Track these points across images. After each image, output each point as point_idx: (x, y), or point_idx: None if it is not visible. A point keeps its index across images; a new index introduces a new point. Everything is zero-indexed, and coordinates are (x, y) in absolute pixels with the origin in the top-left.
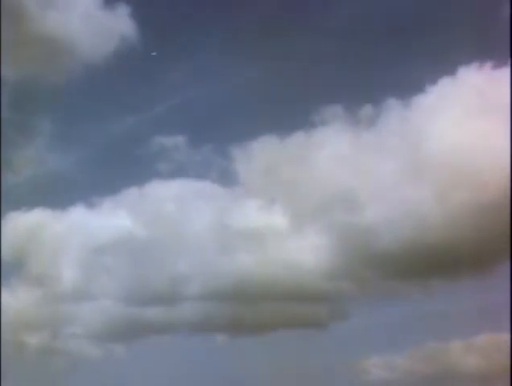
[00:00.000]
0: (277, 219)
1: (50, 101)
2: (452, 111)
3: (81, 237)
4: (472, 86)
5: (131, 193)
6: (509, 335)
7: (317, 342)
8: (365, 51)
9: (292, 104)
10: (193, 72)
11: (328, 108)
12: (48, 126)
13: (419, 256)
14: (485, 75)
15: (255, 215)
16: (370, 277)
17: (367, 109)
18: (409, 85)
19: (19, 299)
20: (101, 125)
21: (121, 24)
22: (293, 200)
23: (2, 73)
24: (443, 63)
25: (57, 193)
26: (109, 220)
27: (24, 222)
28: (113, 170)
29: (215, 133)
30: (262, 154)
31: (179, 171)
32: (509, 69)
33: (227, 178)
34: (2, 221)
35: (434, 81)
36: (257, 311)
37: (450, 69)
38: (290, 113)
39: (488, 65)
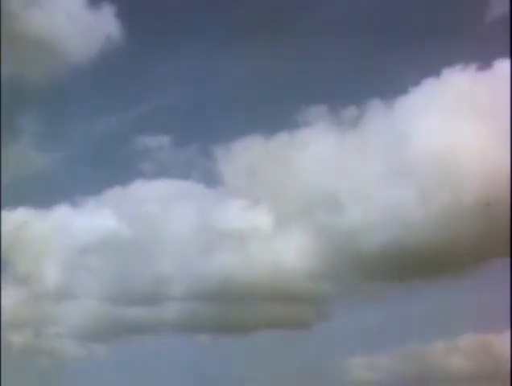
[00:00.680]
0: (260, 219)
1: (35, 101)
2: (436, 112)
3: (65, 237)
4: (455, 87)
5: (115, 193)
6: (492, 336)
7: (300, 343)
8: (348, 53)
9: (276, 105)
10: (178, 73)
11: (312, 108)
12: (33, 126)
13: (402, 257)
14: (468, 77)
15: (239, 215)
16: (354, 277)
17: (351, 110)
18: (393, 86)
19: (3, 298)
20: (86, 124)
21: (107, 24)
22: (277, 201)
23: None
24: (427, 64)
25: (41, 192)
26: (92, 220)
27: (8, 221)
28: (97, 169)
29: (199, 133)
30: (245, 155)
31: (162, 171)
32: (492, 71)
33: (211, 178)
34: None
35: (417, 82)
36: (240, 311)
37: (434, 70)
38: (274, 114)
39: (472, 67)
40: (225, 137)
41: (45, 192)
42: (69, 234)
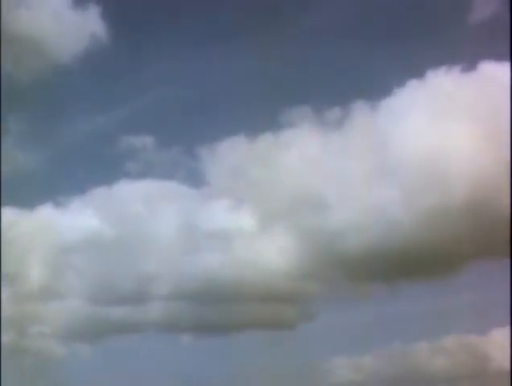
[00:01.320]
0: (244, 220)
1: (20, 100)
2: (420, 114)
3: (49, 236)
4: (440, 89)
5: (99, 192)
6: (476, 337)
7: (284, 343)
8: (333, 54)
9: (261, 105)
10: (162, 73)
11: (296, 109)
12: (17, 125)
13: (386, 258)
14: (453, 79)
15: (223, 215)
16: (338, 278)
17: (335, 111)
18: (377, 88)
19: None
20: (70, 124)
21: (92, 23)
22: (261, 201)
23: None
24: (412, 65)
25: (25, 192)
26: (77, 220)
27: None
28: (81, 169)
29: (183, 133)
30: (229, 155)
31: (147, 171)
32: (476, 72)
33: (195, 178)
34: None
35: (402, 84)
36: (223, 312)
37: (418, 72)
38: (258, 114)
39: (456, 68)
40: (210, 138)
41: (29, 192)
42: (54, 234)
